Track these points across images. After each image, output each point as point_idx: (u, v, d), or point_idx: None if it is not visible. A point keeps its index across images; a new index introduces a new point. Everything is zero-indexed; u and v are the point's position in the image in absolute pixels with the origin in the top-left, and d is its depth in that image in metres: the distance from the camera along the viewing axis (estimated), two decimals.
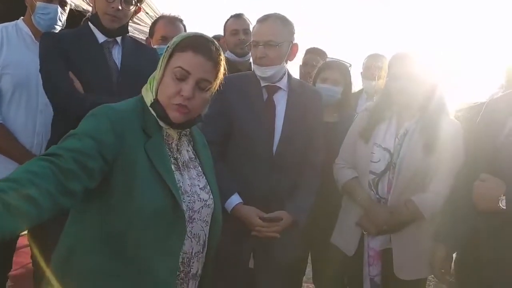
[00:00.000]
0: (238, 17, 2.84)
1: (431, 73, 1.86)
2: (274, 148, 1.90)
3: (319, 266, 2.47)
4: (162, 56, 1.28)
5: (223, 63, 1.32)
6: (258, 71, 1.91)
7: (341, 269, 2.42)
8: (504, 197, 1.51)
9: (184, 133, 1.37)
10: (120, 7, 1.91)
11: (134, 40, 2.18)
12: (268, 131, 1.90)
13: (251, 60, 2.82)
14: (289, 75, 2.00)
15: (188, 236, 1.28)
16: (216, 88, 1.34)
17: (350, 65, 2.49)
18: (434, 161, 1.82)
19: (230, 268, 1.87)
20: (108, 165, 1.14)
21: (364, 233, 1.92)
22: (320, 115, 2.06)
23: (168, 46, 1.28)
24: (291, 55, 1.96)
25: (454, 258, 1.86)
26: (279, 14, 1.92)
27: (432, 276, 1.93)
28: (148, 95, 1.30)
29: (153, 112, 1.27)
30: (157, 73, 1.29)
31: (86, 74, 1.89)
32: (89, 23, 2.00)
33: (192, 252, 1.30)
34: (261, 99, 1.93)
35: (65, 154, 1.04)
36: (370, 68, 3.16)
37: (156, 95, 1.28)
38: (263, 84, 1.94)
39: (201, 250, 1.34)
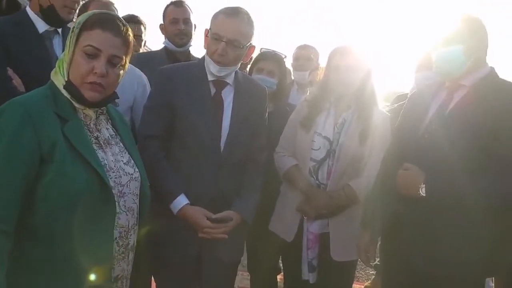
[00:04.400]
0: (178, 5, 2.74)
1: (366, 65, 1.97)
2: (222, 146, 1.81)
3: (254, 254, 2.52)
4: (69, 37, 1.27)
5: (131, 38, 1.34)
6: (213, 68, 1.78)
7: (276, 256, 2.50)
8: (424, 185, 1.61)
9: (101, 112, 1.36)
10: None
11: None
12: (216, 128, 1.81)
13: (190, 49, 2.77)
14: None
15: (122, 210, 1.31)
16: (126, 65, 1.34)
17: (285, 56, 2.54)
18: (368, 148, 1.94)
19: (175, 272, 1.83)
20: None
21: (304, 218, 1.99)
22: (264, 110, 1.99)
23: (74, 27, 1.27)
24: (246, 57, 1.87)
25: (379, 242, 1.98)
26: (246, 10, 1.79)
27: None
28: (58, 78, 1.28)
29: (66, 95, 1.26)
30: (66, 55, 1.27)
31: (27, 66, 1.81)
32: (28, 11, 1.91)
33: (128, 225, 1.33)
34: (208, 94, 1.82)
35: (6, 218, 1.12)
36: (299, 59, 3.25)
37: (68, 77, 1.26)
38: (210, 78, 1.82)
39: (136, 223, 1.38)
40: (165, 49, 2.76)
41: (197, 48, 2.97)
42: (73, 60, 1.25)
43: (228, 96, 1.86)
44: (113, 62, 1.27)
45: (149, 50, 3.33)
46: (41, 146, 1.17)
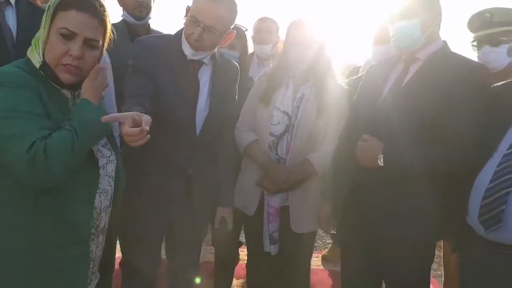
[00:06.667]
0: None
1: (320, 38, 1.96)
2: (198, 128, 1.81)
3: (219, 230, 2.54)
4: (45, 16, 1.24)
5: (109, 19, 1.31)
6: (188, 51, 1.74)
7: (238, 229, 2.54)
8: (382, 156, 1.67)
9: (78, 94, 1.33)
10: None
11: (28, 2, 1.95)
12: (192, 108, 1.79)
13: (149, 22, 2.66)
14: None
15: (97, 192, 1.32)
16: (106, 45, 1.34)
17: (246, 30, 2.49)
18: (325, 122, 1.96)
19: (142, 235, 1.83)
20: None
21: (265, 192, 2.02)
22: (236, 89, 2.00)
23: (49, 5, 1.23)
24: (224, 41, 1.82)
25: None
26: None
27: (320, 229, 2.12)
28: (34, 57, 1.26)
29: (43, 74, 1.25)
30: (41, 34, 1.25)
31: None
32: None
33: (101, 206, 1.34)
34: (186, 73, 1.78)
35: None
36: (260, 32, 3.20)
37: (44, 56, 1.24)
38: (188, 57, 1.78)
39: (109, 205, 1.39)
40: (123, 22, 2.64)
41: (157, 21, 2.86)
42: (48, 41, 1.23)
43: (204, 75, 1.83)
44: (90, 44, 1.25)
45: None
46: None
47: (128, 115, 1.23)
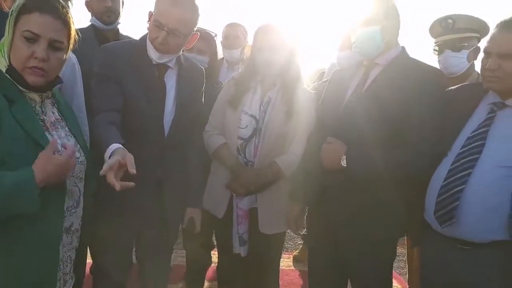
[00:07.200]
0: None
1: (289, 44, 2.00)
2: (166, 130, 1.83)
3: (188, 231, 2.55)
4: (8, 20, 1.26)
5: (72, 20, 1.34)
6: (153, 54, 1.77)
7: (209, 232, 2.56)
8: (345, 157, 1.74)
9: (47, 96, 1.37)
10: None
11: None
12: (159, 112, 1.81)
13: (118, 28, 2.66)
14: None
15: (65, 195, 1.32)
16: (71, 47, 1.37)
17: (216, 35, 2.53)
18: (293, 126, 2.01)
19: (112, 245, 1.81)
20: None
21: (234, 195, 2.05)
22: (202, 92, 2.03)
23: (13, 10, 1.26)
24: (189, 43, 1.86)
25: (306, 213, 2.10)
26: None
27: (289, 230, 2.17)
28: (0, 61, 1.28)
29: (10, 78, 1.26)
30: (6, 38, 1.27)
31: None
32: None
33: (64, 207, 1.33)
34: (153, 78, 1.80)
35: None
36: (229, 38, 3.24)
37: (10, 60, 1.26)
38: (153, 61, 1.80)
39: (75, 205, 1.39)
40: (92, 27, 2.63)
41: (126, 26, 2.85)
42: (13, 44, 1.25)
43: (170, 79, 1.86)
44: (54, 45, 1.28)
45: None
46: None
47: (115, 162, 1.34)
